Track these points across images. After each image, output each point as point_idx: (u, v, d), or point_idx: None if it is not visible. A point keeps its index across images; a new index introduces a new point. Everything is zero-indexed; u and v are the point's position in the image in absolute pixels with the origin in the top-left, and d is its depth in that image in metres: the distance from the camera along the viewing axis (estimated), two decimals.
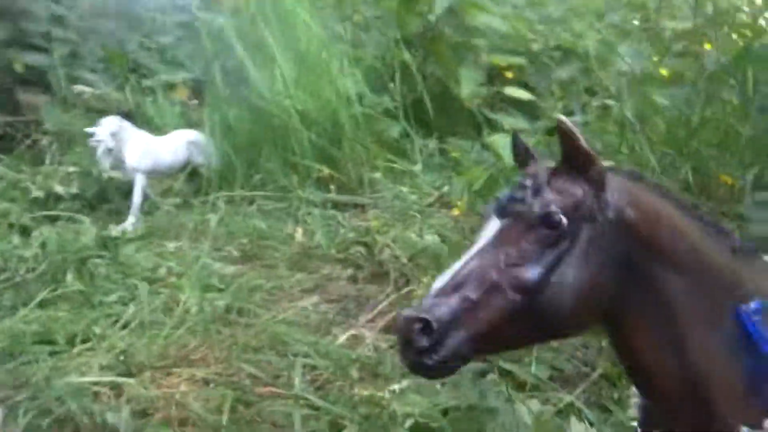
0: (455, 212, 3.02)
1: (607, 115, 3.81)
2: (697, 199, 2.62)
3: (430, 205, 3.28)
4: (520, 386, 1.96)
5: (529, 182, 0.87)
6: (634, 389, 0.98)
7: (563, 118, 0.85)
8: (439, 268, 2.67)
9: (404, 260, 2.75)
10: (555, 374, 2.04)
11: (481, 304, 0.80)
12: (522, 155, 0.97)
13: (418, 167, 3.63)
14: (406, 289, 2.61)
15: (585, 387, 1.96)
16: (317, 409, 1.86)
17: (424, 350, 0.79)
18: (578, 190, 0.85)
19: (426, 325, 0.78)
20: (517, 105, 4.06)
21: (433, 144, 3.85)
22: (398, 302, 2.55)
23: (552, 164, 0.91)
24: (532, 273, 0.81)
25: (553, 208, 0.83)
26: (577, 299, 0.82)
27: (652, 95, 3.42)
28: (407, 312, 0.82)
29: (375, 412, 1.80)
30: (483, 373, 2.02)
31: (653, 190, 0.91)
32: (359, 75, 3.88)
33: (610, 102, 3.81)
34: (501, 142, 3.20)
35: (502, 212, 0.87)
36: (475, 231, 3.00)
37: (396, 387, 1.98)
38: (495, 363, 1.97)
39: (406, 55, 3.93)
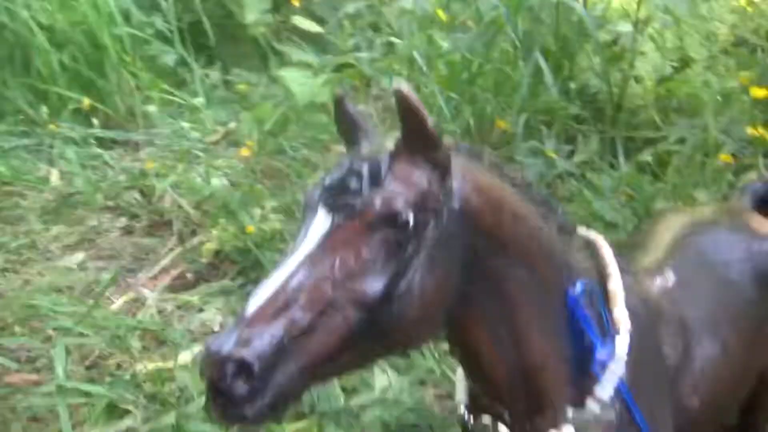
0: (245, 152, 2.78)
1: (392, 52, 3.82)
2: (478, 143, 2.75)
3: (216, 143, 2.98)
4: None
5: (365, 168, 0.70)
6: (460, 373, 0.93)
7: (405, 88, 0.68)
8: (229, 216, 2.46)
9: (189, 208, 2.46)
10: None
11: (313, 328, 0.64)
12: (348, 126, 0.79)
13: (199, 100, 3.26)
14: (193, 241, 2.34)
15: None
16: (90, 395, 1.56)
17: (241, 399, 0.61)
18: (423, 179, 0.71)
19: (244, 367, 0.61)
20: (305, 37, 3.86)
21: (215, 75, 3.48)
22: (184, 256, 2.28)
23: (388, 142, 0.75)
24: (374, 285, 0.67)
25: (399, 205, 0.68)
26: (425, 308, 0.70)
27: (434, 37, 3.47)
28: (216, 347, 0.62)
29: (163, 391, 1.58)
30: None
31: (492, 171, 0.80)
32: None
33: (395, 40, 3.82)
34: (291, 77, 3.00)
35: (331, 205, 0.70)
36: (266, 174, 2.84)
37: (187, 355, 1.78)
38: None
39: None
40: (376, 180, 0.70)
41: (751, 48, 2.58)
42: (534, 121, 2.82)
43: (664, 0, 2.73)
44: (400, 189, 0.70)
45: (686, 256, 1.08)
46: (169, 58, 3.36)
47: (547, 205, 0.84)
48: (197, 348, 1.82)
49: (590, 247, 0.91)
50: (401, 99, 0.69)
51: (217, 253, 2.24)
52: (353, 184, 0.70)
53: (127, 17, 3.28)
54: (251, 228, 2.13)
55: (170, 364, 1.70)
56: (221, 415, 0.63)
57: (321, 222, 0.70)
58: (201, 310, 2.07)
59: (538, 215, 0.81)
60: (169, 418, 1.47)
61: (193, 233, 2.41)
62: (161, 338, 1.90)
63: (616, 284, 0.86)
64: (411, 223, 0.68)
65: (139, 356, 1.76)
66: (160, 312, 2.04)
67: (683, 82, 2.74)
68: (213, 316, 2.03)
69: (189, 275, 2.21)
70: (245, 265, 2.14)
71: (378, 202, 0.68)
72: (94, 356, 1.77)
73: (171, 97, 3.23)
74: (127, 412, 1.52)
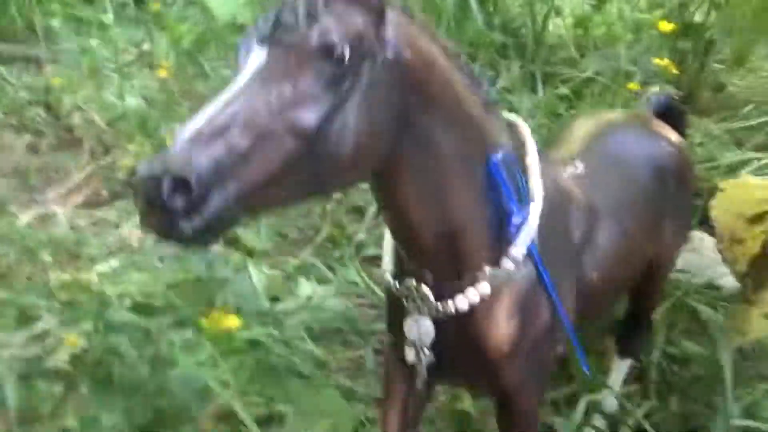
0: (161, 73, 2.64)
1: None
2: None
3: (130, 63, 2.81)
4: (248, 254, 1.88)
5: (301, 4, 0.70)
6: (387, 243, 0.96)
7: None
8: (147, 134, 2.35)
9: (102, 125, 2.33)
10: (281, 240, 2.01)
11: (251, 153, 0.64)
12: None
13: (109, 18, 3.04)
14: (106, 159, 2.23)
15: (311, 250, 1.98)
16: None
17: (179, 214, 0.60)
18: (358, 20, 0.71)
19: (181, 183, 0.60)
20: None
21: None
22: (96, 174, 2.18)
23: None
24: (311, 115, 0.67)
25: (335, 37, 0.68)
26: (358, 147, 0.71)
27: None
28: (151, 164, 0.61)
29: (80, 298, 1.53)
30: None
31: (425, 32, 0.81)
32: None
33: None
34: None
35: (267, 41, 0.69)
36: (185, 95, 2.72)
37: (104, 267, 1.72)
38: None
39: None
40: (312, 15, 0.70)
41: None
42: (460, 51, 2.85)
43: None
44: (336, 24, 0.70)
45: (596, 150, 1.16)
46: None
47: (474, 77, 0.87)
48: (115, 261, 1.77)
49: (510, 126, 0.95)
50: None
51: (134, 170, 2.15)
52: (290, 18, 0.70)
53: None
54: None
55: (87, 275, 1.64)
56: (159, 231, 0.62)
57: (257, 57, 0.69)
58: (118, 227, 2.00)
59: (466, 84, 0.84)
60: (87, 324, 1.43)
61: (107, 151, 2.30)
62: (75, 253, 1.82)
63: (532, 159, 0.91)
64: (347, 57, 0.69)
65: (52, 268, 1.69)
66: (73, 228, 1.95)
67: (599, 17, 2.85)
68: (132, 231, 1.96)
69: (104, 192, 2.11)
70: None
71: (314, 34, 0.69)
72: (2, 268, 1.67)
73: (76, 13, 2.99)
74: (38, 317, 1.46)
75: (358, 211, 2.16)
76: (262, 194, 0.67)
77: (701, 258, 1.62)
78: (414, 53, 0.76)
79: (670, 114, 1.42)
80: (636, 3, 2.98)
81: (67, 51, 2.79)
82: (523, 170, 0.90)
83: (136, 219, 1.98)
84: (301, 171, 0.68)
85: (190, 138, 0.63)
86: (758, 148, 2.40)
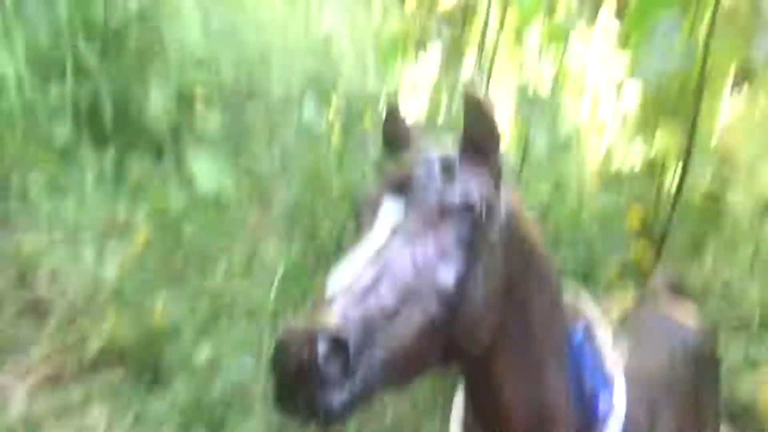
0: (140, 240, 2.58)
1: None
2: None
3: (107, 230, 2.74)
4: None
5: (437, 161, 0.71)
6: (455, 425, 0.88)
7: (475, 91, 0.71)
8: (123, 304, 2.22)
9: (73, 294, 2.19)
10: (271, 428, 1.84)
11: (398, 314, 0.61)
12: (397, 134, 0.79)
13: (89, 182, 3.02)
14: (74, 332, 2.06)
15: None
16: None
17: (332, 382, 0.54)
18: (486, 180, 0.72)
19: (338, 344, 0.54)
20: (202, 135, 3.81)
21: (109, 158, 3.27)
22: (63, 349, 1.99)
23: (448, 144, 0.76)
24: (451, 274, 0.65)
25: (475, 196, 0.69)
26: (486, 311, 0.69)
27: None
28: (301, 324, 0.55)
29: None
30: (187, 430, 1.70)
31: (521, 199, 0.82)
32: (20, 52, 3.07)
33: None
34: (197, 164, 2.91)
35: (403, 196, 0.68)
36: (163, 266, 2.64)
37: None
38: (205, 417, 1.67)
39: (83, 46, 3.29)
40: (450, 173, 0.70)
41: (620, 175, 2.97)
42: None
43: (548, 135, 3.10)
44: (474, 186, 0.70)
45: (630, 336, 1.16)
46: (59, 134, 3.11)
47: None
48: None
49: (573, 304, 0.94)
50: (471, 101, 0.71)
51: (103, 346, 1.99)
52: (428, 175, 0.69)
53: (20, 83, 3.04)
54: (155, 313, 1.93)
55: None
56: (305, 406, 0.55)
57: (393, 212, 0.68)
58: (82, 410, 1.79)
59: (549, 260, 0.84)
60: None
61: (72, 323, 2.13)
62: None
63: (605, 333, 0.89)
64: (484, 215, 0.69)
65: None
66: (29, 411, 1.73)
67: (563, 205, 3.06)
68: (98, 417, 1.75)
69: (69, 369, 1.92)
70: (142, 358, 1.92)
71: (456, 192, 0.69)
72: None
73: (56, 176, 2.96)
74: None
75: None
76: (402, 364, 0.62)
77: None
78: (520, 215, 0.77)
79: (675, 291, 1.47)
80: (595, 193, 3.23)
81: (43, 214, 2.71)
82: (597, 350, 0.88)
83: (105, 402, 1.83)
84: (438, 338, 0.65)
85: (340, 295, 0.58)
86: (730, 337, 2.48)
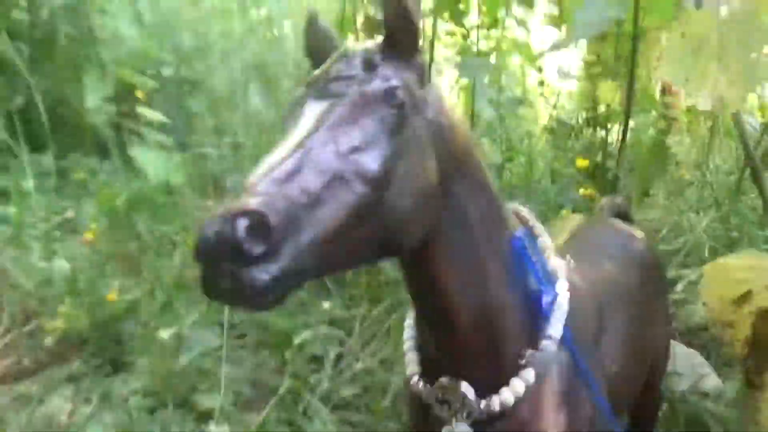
0: (88, 237, 2.51)
1: (239, 153, 3.83)
2: None
3: (53, 230, 2.66)
4: (202, 416, 1.68)
5: (357, 58, 0.71)
6: (408, 346, 0.88)
7: None
8: (77, 294, 2.16)
9: (26, 289, 2.12)
10: (238, 399, 1.82)
11: (324, 197, 0.60)
12: (319, 43, 0.78)
13: (28, 186, 2.92)
14: (31, 325, 2.00)
15: (271, 407, 1.80)
16: None
17: (255, 261, 0.53)
18: (408, 75, 0.71)
19: (259, 222, 0.53)
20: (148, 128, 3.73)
21: (48, 161, 3.17)
22: (19, 342, 1.93)
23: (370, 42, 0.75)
24: (376, 160, 0.65)
25: (395, 82, 0.68)
26: (419, 197, 0.69)
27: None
28: (222, 207, 0.55)
29: None
30: (152, 410, 1.67)
31: (453, 106, 0.81)
32: None
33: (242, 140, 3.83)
34: (144, 158, 2.85)
35: (325, 93, 0.68)
36: (115, 258, 2.58)
37: None
38: (169, 395, 1.65)
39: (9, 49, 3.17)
40: (370, 66, 0.70)
41: (567, 128, 3.04)
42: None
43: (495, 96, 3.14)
44: (394, 74, 0.70)
45: (580, 246, 1.19)
46: None
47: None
48: None
49: (514, 212, 0.94)
50: None
51: (60, 337, 1.93)
52: (347, 70, 0.70)
53: None
54: (112, 296, 1.88)
55: None
56: (231, 282, 0.53)
57: (316, 107, 0.68)
58: (42, 402, 1.74)
59: (485, 163, 0.83)
60: None
61: (28, 319, 2.07)
62: None
63: (545, 240, 0.90)
64: (407, 105, 0.69)
65: None
66: None
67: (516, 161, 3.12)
68: (60, 407, 1.71)
69: (26, 363, 1.86)
70: (102, 344, 1.87)
71: (377, 80, 0.69)
72: None
73: None
74: None
75: (318, 361, 2.03)
76: (332, 246, 0.61)
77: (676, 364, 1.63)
78: (450, 118, 0.77)
79: (622, 218, 1.52)
80: (544, 149, 3.30)
81: None
82: (540, 252, 0.88)
83: (66, 392, 1.78)
84: (368, 221, 0.64)
85: (262, 179, 0.58)
86: (683, 266, 2.58)
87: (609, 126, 3.07)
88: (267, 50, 4.81)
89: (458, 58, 3.14)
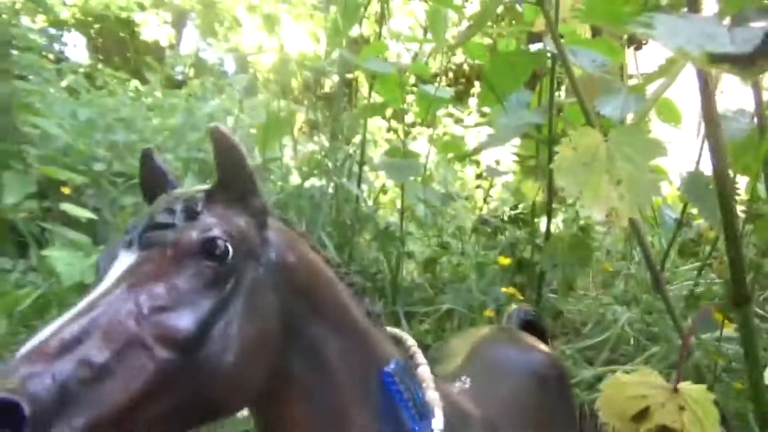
0: None
1: None
2: None
3: None
4: None
5: (178, 205, 0.66)
6: None
7: (222, 128, 0.66)
8: None
9: None
10: None
11: (112, 370, 0.53)
12: (155, 181, 0.75)
13: None
14: None
15: None
16: None
17: None
18: (240, 220, 0.68)
19: (9, 411, 0.47)
20: (75, 225, 3.61)
21: None
22: None
23: (202, 187, 0.72)
24: (188, 320, 0.59)
25: (217, 233, 0.63)
26: (243, 355, 0.62)
27: None
28: None
29: None
30: None
31: (305, 241, 0.80)
32: None
33: None
34: (58, 257, 2.73)
35: (136, 243, 0.63)
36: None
37: None
38: None
39: None
40: (191, 214, 0.65)
41: (492, 226, 3.11)
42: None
43: (424, 194, 3.22)
44: (218, 222, 0.65)
45: (478, 365, 1.17)
46: None
47: (354, 288, 0.86)
48: None
49: (396, 339, 0.93)
50: (218, 138, 0.66)
51: None
52: (166, 218, 0.65)
53: None
54: None
55: None
56: None
57: (124, 261, 0.62)
58: None
59: (349, 295, 0.82)
60: None
61: None
62: None
63: (424, 370, 0.87)
64: (230, 255, 0.63)
65: None
66: None
67: (446, 257, 3.16)
68: None
69: None
70: None
71: (194, 232, 0.63)
72: None
73: None
74: None
75: None
76: (128, 423, 0.53)
77: None
78: (296, 257, 0.73)
79: (533, 328, 1.51)
80: (474, 244, 3.36)
81: None
82: (417, 384, 0.85)
83: None
84: (177, 389, 0.57)
85: (29, 354, 0.51)
86: (607, 363, 2.59)
87: (536, 221, 3.17)
88: (206, 144, 4.84)
89: (387, 160, 3.23)
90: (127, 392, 0.54)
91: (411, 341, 0.93)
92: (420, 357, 0.89)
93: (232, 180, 0.69)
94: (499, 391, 1.10)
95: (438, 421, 0.81)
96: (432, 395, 0.83)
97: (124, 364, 0.54)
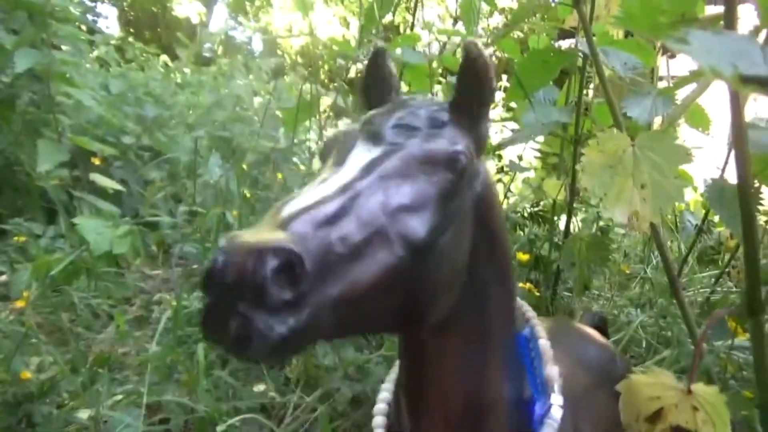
0: (19, 304, 2.42)
1: (194, 221, 3.81)
2: None
3: None
4: None
5: (423, 110, 0.65)
6: (378, 422, 0.79)
7: (476, 40, 0.64)
8: (8, 362, 2.05)
9: None
10: None
11: (361, 253, 0.53)
12: (380, 81, 0.72)
13: None
14: None
15: None
16: None
17: (281, 306, 0.45)
18: (468, 141, 0.66)
19: (291, 265, 0.46)
20: (102, 194, 3.69)
21: None
22: None
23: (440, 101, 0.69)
24: (425, 225, 0.59)
25: (461, 147, 0.63)
26: (453, 274, 0.63)
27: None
28: (247, 236, 0.46)
29: None
30: None
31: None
32: None
33: (199, 209, 3.83)
34: (87, 225, 2.81)
35: (379, 138, 0.62)
36: (44, 328, 2.49)
37: None
38: None
39: None
40: (436, 123, 0.65)
41: (512, 222, 3.12)
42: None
43: None
44: (461, 137, 0.65)
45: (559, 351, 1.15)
46: None
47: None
48: None
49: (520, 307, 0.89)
50: (470, 48, 0.64)
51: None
52: (410, 120, 0.64)
53: None
54: (27, 374, 1.80)
55: None
56: (238, 328, 0.44)
57: (366, 150, 0.61)
58: None
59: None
60: None
61: None
62: None
63: (545, 344, 0.83)
64: (466, 172, 0.63)
65: None
66: None
67: None
68: None
69: None
70: (8, 423, 1.77)
71: (443, 141, 0.63)
72: None
73: None
74: None
75: None
76: (357, 306, 0.54)
77: None
78: (494, 198, 0.72)
79: (600, 329, 1.50)
80: None
81: None
82: (539, 356, 0.82)
83: None
84: (399, 287, 0.57)
85: (301, 213, 0.50)
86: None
87: (556, 219, 3.18)
88: (232, 123, 4.91)
89: None
90: (370, 277, 0.54)
91: (531, 312, 0.89)
92: (541, 330, 0.85)
93: (473, 99, 0.67)
94: (580, 380, 1.04)
95: (557, 397, 0.78)
96: (551, 370, 0.80)
97: (370, 250, 0.54)
